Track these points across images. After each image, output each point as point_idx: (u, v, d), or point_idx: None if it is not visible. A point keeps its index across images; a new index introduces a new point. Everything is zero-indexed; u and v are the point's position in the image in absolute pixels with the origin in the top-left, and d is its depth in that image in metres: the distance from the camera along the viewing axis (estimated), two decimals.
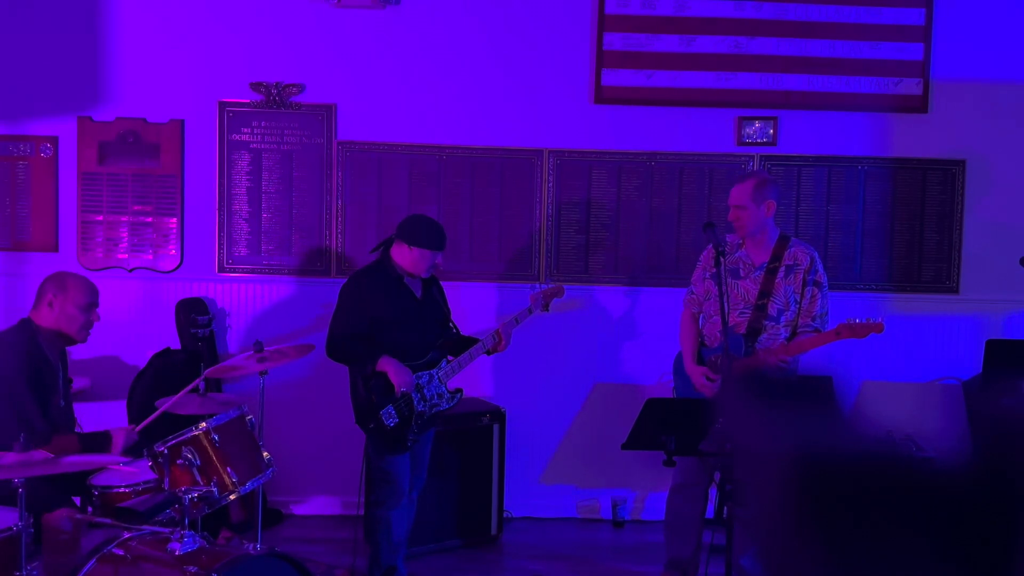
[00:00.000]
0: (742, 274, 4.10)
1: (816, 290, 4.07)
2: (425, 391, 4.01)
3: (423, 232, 3.98)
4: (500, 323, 4.29)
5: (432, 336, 4.12)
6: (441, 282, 4.34)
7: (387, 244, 4.10)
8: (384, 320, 3.97)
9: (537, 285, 5.20)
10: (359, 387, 3.94)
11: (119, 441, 3.73)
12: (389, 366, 3.87)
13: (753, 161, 5.31)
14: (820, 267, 4.11)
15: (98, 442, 3.73)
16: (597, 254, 5.34)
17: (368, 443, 4.12)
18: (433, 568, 4.61)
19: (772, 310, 4.04)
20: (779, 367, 3.90)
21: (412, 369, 3.95)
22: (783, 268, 4.07)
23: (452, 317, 4.28)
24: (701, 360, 4.14)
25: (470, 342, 4.17)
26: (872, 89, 5.27)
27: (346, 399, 4.05)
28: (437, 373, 4.07)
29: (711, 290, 4.09)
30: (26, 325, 3.78)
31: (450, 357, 4.16)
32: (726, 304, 3.77)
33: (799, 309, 4.07)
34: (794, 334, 4.09)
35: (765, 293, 4.05)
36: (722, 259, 3.78)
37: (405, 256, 4.00)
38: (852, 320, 3.83)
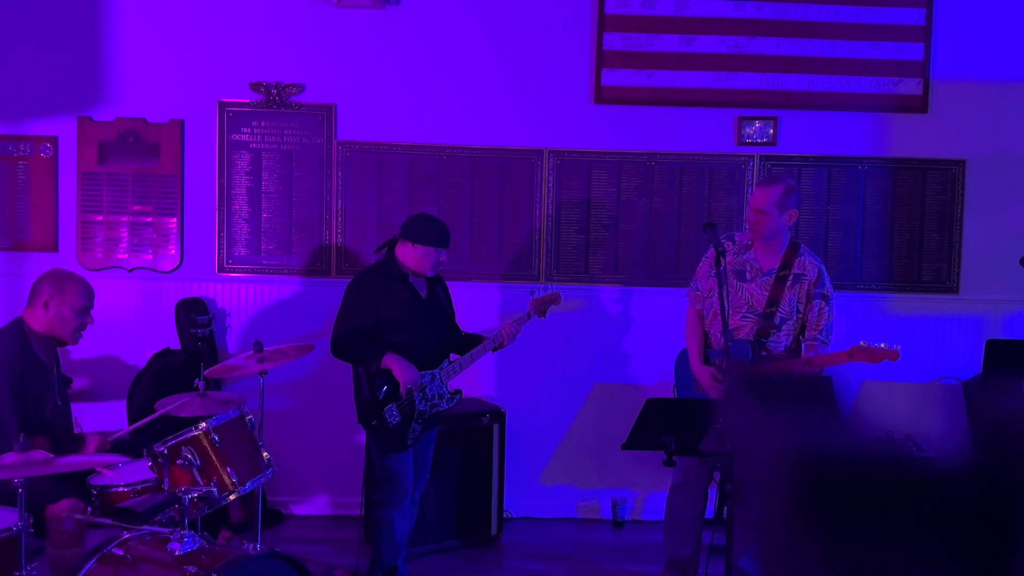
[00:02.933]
0: (748, 277, 4.05)
1: (824, 304, 4.03)
2: (427, 390, 4.01)
3: (427, 230, 3.99)
4: (501, 323, 4.29)
5: (436, 335, 4.11)
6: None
7: (391, 244, 4.10)
8: (388, 319, 3.96)
9: (538, 286, 5.19)
10: (363, 385, 3.94)
11: (92, 446, 3.73)
12: (394, 363, 3.87)
13: (753, 161, 5.30)
14: (827, 280, 4.07)
15: (71, 443, 3.73)
16: (597, 254, 5.34)
17: (371, 442, 4.12)
18: (433, 568, 4.60)
19: (777, 319, 4.02)
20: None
21: (416, 367, 3.95)
22: (791, 276, 4.03)
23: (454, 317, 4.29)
24: (707, 360, 4.11)
25: (474, 341, 4.16)
26: (872, 89, 5.27)
27: (346, 399, 4.05)
28: (439, 373, 4.07)
29: (714, 288, 4.06)
30: (18, 325, 3.76)
31: (452, 357, 4.16)
32: (726, 306, 3.73)
33: (800, 319, 4.03)
34: (796, 342, 4.06)
35: (774, 301, 4.01)
36: (722, 260, 3.76)
37: (410, 254, 4.00)
38: (866, 343, 3.75)
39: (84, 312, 3.82)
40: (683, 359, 4.23)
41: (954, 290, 5.38)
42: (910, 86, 5.29)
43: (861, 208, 5.34)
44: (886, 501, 0.67)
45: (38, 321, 3.76)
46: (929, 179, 5.35)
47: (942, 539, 0.66)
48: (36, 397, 3.71)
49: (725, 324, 3.72)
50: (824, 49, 5.25)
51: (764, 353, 3.99)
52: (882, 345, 3.73)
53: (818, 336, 4.02)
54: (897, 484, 0.68)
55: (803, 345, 4.06)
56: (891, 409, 5.27)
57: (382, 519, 4.05)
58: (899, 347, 3.76)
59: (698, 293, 4.20)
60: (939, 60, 5.28)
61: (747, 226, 4.14)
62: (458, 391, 4.16)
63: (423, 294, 4.09)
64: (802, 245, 4.14)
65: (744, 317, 4.02)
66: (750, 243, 4.09)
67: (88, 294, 3.85)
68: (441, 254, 4.02)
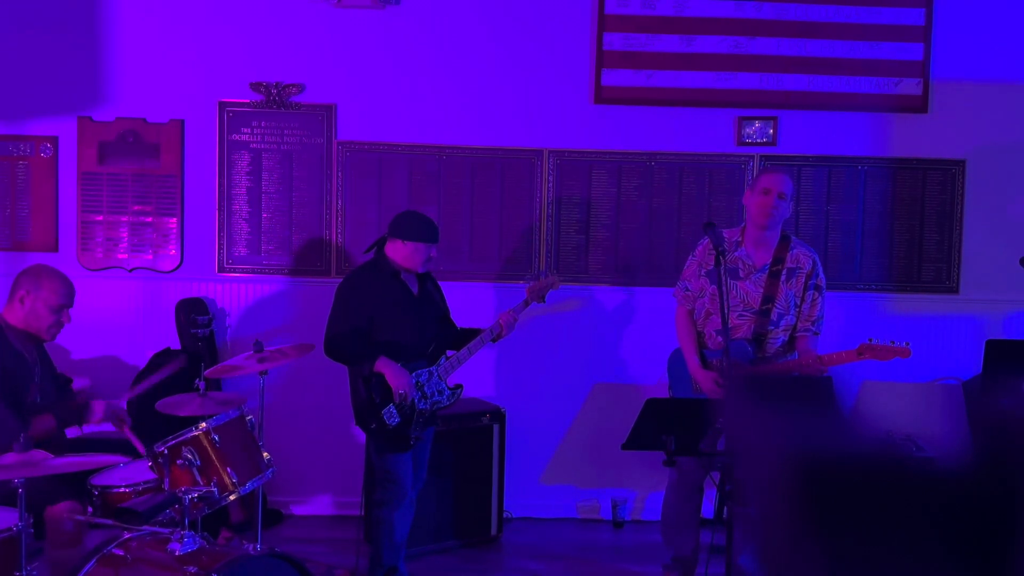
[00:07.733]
0: (741, 275, 4.02)
1: (817, 295, 4.01)
2: (425, 388, 4.01)
3: (416, 226, 3.99)
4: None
5: (430, 332, 4.12)
6: (441, 282, 4.34)
7: (381, 243, 4.10)
8: (382, 317, 3.96)
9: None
10: (359, 388, 3.93)
11: (98, 411, 3.72)
12: (386, 368, 3.86)
13: (753, 161, 5.31)
14: (821, 271, 4.05)
15: (75, 413, 3.73)
16: (597, 254, 5.34)
17: (369, 443, 4.12)
18: (433, 568, 4.60)
19: (774, 315, 3.98)
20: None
21: (411, 368, 3.95)
22: (785, 271, 3.99)
23: (451, 315, 4.28)
24: (704, 361, 4.07)
25: (470, 335, 4.17)
26: (872, 89, 5.27)
27: (346, 398, 4.05)
28: (436, 370, 4.07)
29: (706, 287, 4.03)
30: None
31: (449, 353, 4.16)
32: (726, 306, 3.69)
33: (798, 313, 4.00)
34: (791, 338, 4.04)
35: (769, 298, 3.96)
36: (722, 259, 3.73)
37: (400, 252, 4.00)
38: (874, 341, 3.69)
39: (60, 310, 3.78)
40: (676, 358, 4.17)
41: (954, 290, 5.38)
42: (910, 86, 5.29)
43: (861, 208, 5.34)
44: (886, 502, 0.67)
45: (15, 316, 3.75)
46: (929, 179, 5.35)
47: (942, 540, 0.66)
48: (20, 389, 3.70)
49: (725, 325, 3.69)
50: (824, 49, 5.26)
51: (762, 355, 3.96)
52: (891, 343, 3.68)
53: (810, 328, 3.99)
54: (897, 485, 0.68)
55: (796, 337, 4.01)
56: (891, 409, 5.27)
57: (383, 519, 4.04)
58: (908, 343, 3.68)
59: (688, 293, 4.13)
60: (939, 60, 5.29)
61: (750, 213, 4.01)
62: (459, 386, 4.16)
63: (414, 291, 4.09)
64: (793, 237, 4.08)
65: (740, 316, 3.97)
66: (740, 239, 4.05)
67: (67, 292, 3.81)
68: (431, 249, 4.02)
